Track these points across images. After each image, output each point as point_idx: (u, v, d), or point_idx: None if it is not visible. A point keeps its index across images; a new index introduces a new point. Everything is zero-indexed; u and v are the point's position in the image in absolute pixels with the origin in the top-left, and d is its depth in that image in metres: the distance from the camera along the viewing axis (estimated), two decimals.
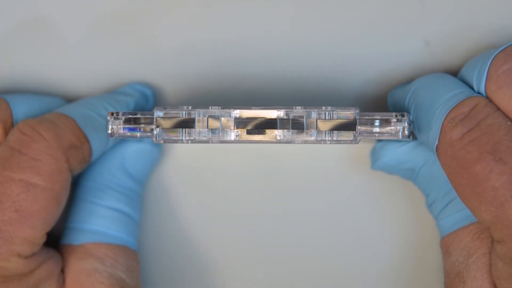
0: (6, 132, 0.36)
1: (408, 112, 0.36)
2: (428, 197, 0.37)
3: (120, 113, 0.34)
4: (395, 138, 0.33)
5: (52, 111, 0.37)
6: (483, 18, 0.38)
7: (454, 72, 0.38)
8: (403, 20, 0.38)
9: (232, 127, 0.34)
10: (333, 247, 0.40)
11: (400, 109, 0.37)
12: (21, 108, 0.37)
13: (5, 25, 0.39)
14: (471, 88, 0.35)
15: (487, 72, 0.34)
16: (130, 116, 0.34)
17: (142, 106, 0.39)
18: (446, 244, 0.36)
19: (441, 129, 0.33)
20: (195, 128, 0.34)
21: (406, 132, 0.33)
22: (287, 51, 0.39)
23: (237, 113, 0.34)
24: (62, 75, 0.39)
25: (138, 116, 0.34)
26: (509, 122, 0.32)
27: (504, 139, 0.32)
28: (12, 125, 0.36)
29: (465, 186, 0.32)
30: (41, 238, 0.35)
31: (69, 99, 0.40)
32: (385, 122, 0.33)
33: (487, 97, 0.34)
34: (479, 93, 0.34)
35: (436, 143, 0.34)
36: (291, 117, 0.33)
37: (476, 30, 0.38)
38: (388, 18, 0.38)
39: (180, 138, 0.34)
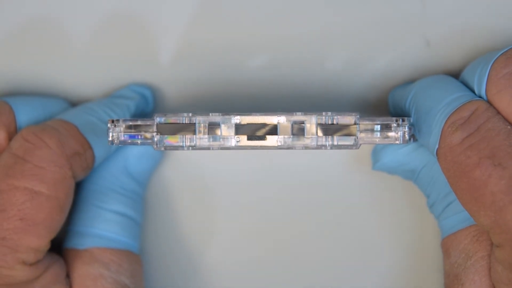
0: (10, 137, 0.36)
1: (409, 115, 0.36)
2: (429, 198, 0.37)
3: (121, 121, 0.34)
4: (396, 143, 0.33)
5: (54, 117, 0.37)
6: (483, 18, 0.38)
7: (455, 73, 0.38)
8: (403, 20, 0.38)
9: (233, 133, 0.34)
10: (335, 246, 0.40)
11: (401, 111, 0.37)
12: (24, 111, 0.37)
13: (7, 26, 0.39)
14: (472, 91, 0.35)
15: (488, 75, 0.34)
16: (130, 123, 0.34)
17: (142, 108, 0.39)
18: (445, 245, 0.36)
19: (441, 134, 0.33)
20: (195, 134, 0.34)
21: (406, 136, 0.33)
22: (287, 54, 0.39)
23: (237, 119, 0.34)
24: (64, 77, 0.39)
25: (139, 123, 0.34)
26: (508, 127, 0.32)
27: (503, 143, 0.32)
28: (16, 129, 0.36)
29: (464, 190, 0.32)
30: (45, 245, 0.35)
31: (71, 100, 0.40)
32: (385, 127, 0.33)
33: (488, 100, 0.34)
34: (480, 96, 0.34)
35: (436, 147, 0.34)
36: (291, 122, 0.34)
37: (477, 30, 0.38)
38: (388, 19, 0.38)
39: (181, 144, 0.34)
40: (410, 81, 0.39)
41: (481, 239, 0.35)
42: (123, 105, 0.38)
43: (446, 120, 0.33)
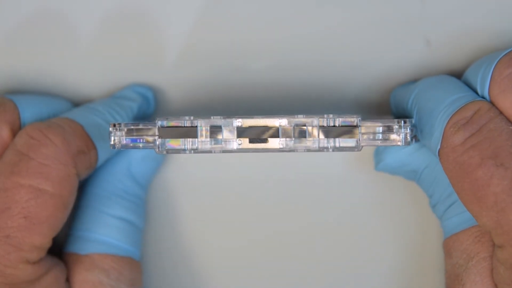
0: (14, 134, 0.36)
1: (411, 115, 0.36)
2: (431, 198, 0.37)
3: (122, 124, 0.34)
4: (398, 145, 0.33)
5: (59, 115, 0.37)
6: (484, 18, 0.38)
7: (456, 72, 0.38)
8: (403, 20, 0.38)
9: (234, 136, 0.34)
10: (337, 247, 0.40)
11: (403, 111, 0.37)
12: (28, 109, 0.36)
13: (9, 25, 0.39)
14: (475, 91, 0.35)
15: (491, 75, 0.34)
16: (132, 127, 0.34)
17: (144, 110, 0.39)
18: (447, 246, 0.36)
19: (443, 134, 0.33)
20: (197, 138, 0.34)
21: (408, 138, 0.33)
22: (288, 57, 0.39)
23: (239, 122, 0.34)
24: (67, 76, 0.39)
25: (140, 127, 0.34)
26: (511, 127, 0.32)
27: (506, 144, 0.32)
28: (20, 126, 0.36)
29: (466, 190, 0.32)
30: (48, 243, 0.35)
31: (73, 99, 0.39)
32: (387, 129, 0.33)
33: (491, 101, 0.34)
34: (483, 96, 0.34)
35: (439, 147, 0.34)
36: (293, 125, 0.34)
37: (477, 30, 0.38)
38: (388, 19, 0.38)
39: (183, 148, 0.34)
40: (411, 81, 0.39)
41: (483, 240, 0.35)
42: (126, 107, 0.38)
43: (448, 121, 0.33)
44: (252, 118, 0.34)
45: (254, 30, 0.38)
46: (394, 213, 0.40)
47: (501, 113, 0.33)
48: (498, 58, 0.34)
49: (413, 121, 0.35)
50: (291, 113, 0.34)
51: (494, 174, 0.32)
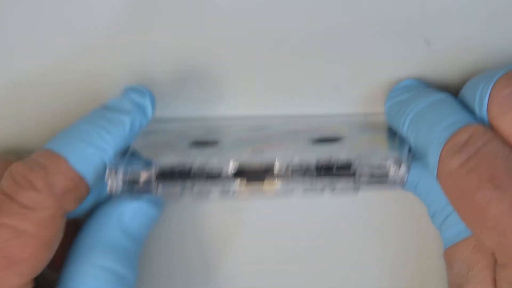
0: None
1: (407, 140, 0.35)
2: (429, 208, 0.37)
3: (120, 171, 0.34)
4: (393, 186, 0.33)
5: (43, 146, 0.36)
6: (484, 19, 0.37)
7: (455, 72, 0.38)
8: (403, 20, 0.37)
9: (232, 179, 0.34)
10: (339, 256, 0.40)
11: (398, 131, 0.37)
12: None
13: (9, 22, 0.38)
14: (472, 110, 0.34)
15: (489, 95, 0.33)
16: (129, 168, 0.34)
17: (140, 121, 0.38)
18: (448, 256, 0.36)
19: (439, 160, 0.33)
20: (194, 181, 0.34)
21: (404, 180, 0.33)
22: (287, 57, 0.38)
23: (235, 164, 0.34)
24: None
25: (137, 171, 0.34)
26: (507, 149, 0.32)
27: (503, 166, 0.32)
28: None
29: (466, 213, 0.33)
30: (27, 284, 0.35)
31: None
32: (384, 173, 0.33)
33: (489, 121, 0.33)
34: (480, 116, 0.34)
35: (436, 173, 0.34)
36: (290, 168, 0.34)
37: (477, 30, 0.37)
38: (388, 19, 0.37)
39: (180, 191, 0.34)
40: (403, 87, 0.38)
41: (482, 249, 0.35)
42: (117, 122, 0.36)
43: (444, 146, 0.33)
44: (249, 159, 0.34)
45: (252, 28, 0.38)
46: (394, 223, 0.40)
47: (496, 135, 0.33)
48: (496, 77, 0.33)
49: (410, 148, 0.35)
50: (291, 112, 0.34)
51: (493, 197, 0.32)
